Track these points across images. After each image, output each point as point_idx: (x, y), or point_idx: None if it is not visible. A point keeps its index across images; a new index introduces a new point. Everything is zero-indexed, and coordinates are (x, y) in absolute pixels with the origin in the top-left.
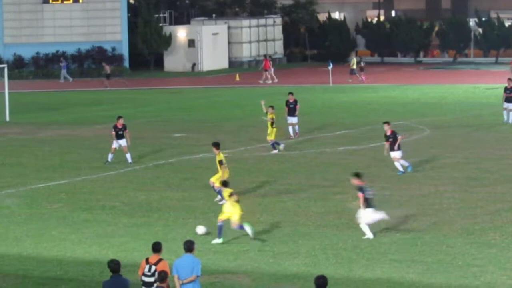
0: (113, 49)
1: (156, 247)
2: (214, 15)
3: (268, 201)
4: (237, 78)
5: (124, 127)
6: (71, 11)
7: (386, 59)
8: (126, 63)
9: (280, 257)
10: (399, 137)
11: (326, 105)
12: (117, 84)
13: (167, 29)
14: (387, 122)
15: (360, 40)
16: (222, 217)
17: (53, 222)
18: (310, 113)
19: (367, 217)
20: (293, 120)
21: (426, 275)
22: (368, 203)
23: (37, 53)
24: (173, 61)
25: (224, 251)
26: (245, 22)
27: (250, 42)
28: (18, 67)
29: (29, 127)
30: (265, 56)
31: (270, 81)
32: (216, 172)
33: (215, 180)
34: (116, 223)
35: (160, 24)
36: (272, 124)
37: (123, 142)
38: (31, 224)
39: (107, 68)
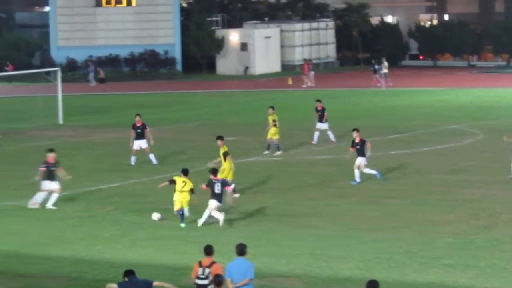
0: (166, 52)
1: (209, 250)
2: (266, 19)
3: (320, 204)
4: (290, 82)
5: (144, 126)
6: (124, 14)
7: (439, 62)
8: (179, 66)
9: (333, 261)
10: (368, 145)
11: (378, 109)
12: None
13: (220, 32)
14: (356, 129)
15: (413, 44)
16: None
17: (105, 224)
18: (362, 117)
19: (212, 207)
20: (321, 126)
21: (479, 279)
22: (215, 197)
23: (90, 56)
24: (225, 65)
25: (277, 254)
26: (298, 26)
27: (302, 45)
28: (71, 70)
29: (81, 130)
30: (305, 60)
31: (305, 85)
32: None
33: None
34: (168, 226)
35: (213, 28)
36: (275, 124)
37: (143, 143)
38: (83, 227)
39: (101, 73)
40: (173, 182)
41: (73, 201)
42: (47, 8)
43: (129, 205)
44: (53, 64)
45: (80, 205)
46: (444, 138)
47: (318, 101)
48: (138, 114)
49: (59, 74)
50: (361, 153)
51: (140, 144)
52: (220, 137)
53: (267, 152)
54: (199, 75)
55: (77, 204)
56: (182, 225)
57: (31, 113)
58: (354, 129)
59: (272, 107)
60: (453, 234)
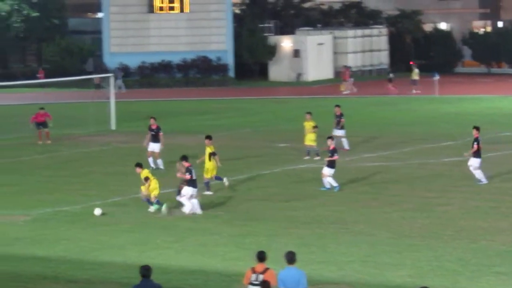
0: (218, 58)
1: (261, 256)
2: (319, 25)
3: (371, 212)
4: (342, 88)
5: (158, 129)
6: (177, 21)
7: (493, 70)
8: (231, 73)
9: (384, 268)
10: (336, 156)
11: (431, 116)
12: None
13: (272, 39)
14: (330, 137)
15: (466, 51)
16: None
17: (157, 230)
18: (414, 124)
19: (187, 193)
20: (336, 132)
21: None
22: (190, 183)
23: (143, 62)
24: (278, 71)
25: (327, 261)
26: (351, 32)
27: (355, 52)
28: (124, 76)
29: (133, 136)
30: (345, 66)
31: (346, 91)
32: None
33: (206, 174)
34: (219, 232)
35: (265, 34)
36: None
37: (156, 147)
38: (135, 233)
39: (97, 80)
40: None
41: (125, 206)
42: (100, 14)
43: (180, 211)
44: (105, 70)
45: (132, 211)
46: (498, 145)
47: (337, 106)
48: (153, 117)
49: (112, 80)
50: (329, 162)
51: (153, 147)
52: (208, 137)
53: (307, 157)
54: (252, 81)
55: (128, 210)
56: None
57: (84, 119)
58: (328, 137)
59: (310, 113)
60: (506, 242)
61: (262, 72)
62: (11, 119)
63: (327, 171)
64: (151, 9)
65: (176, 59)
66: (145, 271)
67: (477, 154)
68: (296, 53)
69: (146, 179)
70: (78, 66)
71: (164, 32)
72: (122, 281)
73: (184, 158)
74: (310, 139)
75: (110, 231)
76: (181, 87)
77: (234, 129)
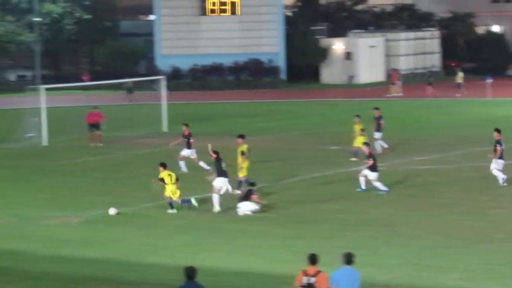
0: (270, 61)
1: (313, 259)
2: (371, 28)
3: (422, 215)
4: (392, 91)
5: (190, 135)
6: (228, 23)
7: None
8: (283, 75)
9: (436, 271)
10: (370, 161)
11: (483, 118)
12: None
13: (324, 41)
14: (366, 143)
15: None
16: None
17: (207, 232)
18: (467, 127)
19: (218, 184)
20: (375, 135)
21: None
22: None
23: (194, 64)
24: (329, 73)
25: (378, 264)
26: (403, 35)
27: (407, 55)
28: (175, 78)
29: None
30: (393, 69)
31: (396, 94)
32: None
33: (240, 173)
34: (270, 234)
35: (317, 37)
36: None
37: (192, 153)
38: (185, 235)
39: (130, 84)
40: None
41: (175, 208)
42: (151, 17)
43: (230, 213)
44: (157, 73)
45: (182, 213)
46: None
47: (376, 108)
48: (185, 124)
49: (164, 82)
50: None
51: (188, 153)
52: (241, 136)
53: (354, 159)
54: (303, 84)
55: (179, 212)
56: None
57: (136, 121)
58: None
59: (358, 116)
60: None
61: (314, 75)
62: (64, 121)
63: (370, 175)
64: (202, 11)
65: (227, 62)
66: (190, 272)
67: (499, 156)
68: (348, 55)
69: (161, 180)
70: (130, 68)
71: (216, 35)
72: (172, 283)
73: (215, 152)
74: (359, 142)
75: (160, 233)
76: (233, 90)
77: (285, 132)
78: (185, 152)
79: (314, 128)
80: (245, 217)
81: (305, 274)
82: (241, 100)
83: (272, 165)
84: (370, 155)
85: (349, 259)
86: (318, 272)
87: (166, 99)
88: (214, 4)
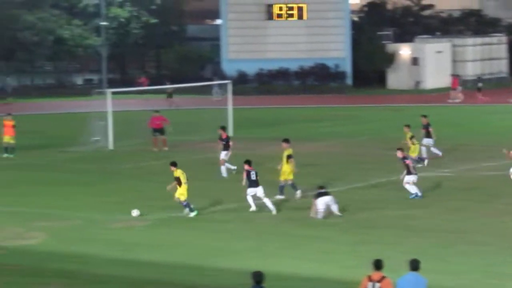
0: (336, 66)
1: (378, 264)
2: (438, 33)
3: (490, 221)
4: (457, 97)
5: (228, 138)
6: (295, 28)
7: None
8: (349, 80)
9: (505, 279)
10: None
11: None
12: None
13: (390, 46)
14: (399, 149)
15: None
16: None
17: (274, 237)
18: None
19: (260, 193)
20: (426, 142)
21: None
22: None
23: (260, 69)
24: (396, 79)
25: (445, 270)
26: (470, 41)
27: (474, 60)
28: (242, 83)
29: (250, 143)
30: (453, 75)
31: (458, 100)
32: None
33: (282, 177)
34: (337, 240)
35: (383, 42)
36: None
37: (227, 154)
38: (251, 239)
39: (170, 90)
40: (178, 179)
41: (241, 212)
42: (218, 21)
43: (297, 218)
44: (223, 77)
45: (250, 217)
46: None
47: (424, 116)
48: (222, 127)
49: (230, 87)
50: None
51: (226, 155)
52: (286, 140)
53: (420, 165)
54: (369, 89)
55: (246, 216)
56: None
57: (201, 125)
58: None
59: (408, 126)
60: None
61: (380, 80)
62: (130, 125)
63: (407, 178)
64: (269, 16)
65: (293, 66)
66: (258, 277)
67: None
68: (415, 61)
69: (177, 179)
70: (196, 72)
71: (282, 39)
72: None
73: (248, 162)
74: (410, 151)
75: (227, 237)
76: (298, 94)
77: (351, 137)
78: (223, 155)
79: (379, 133)
80: (311, 222)
81: (370, 279)
82: (307, 105)
83: (337, 170)
84: (403, 158)
85: (415, 265)
86: (383, 277)
87: (232, 104)
88: (281, 8)
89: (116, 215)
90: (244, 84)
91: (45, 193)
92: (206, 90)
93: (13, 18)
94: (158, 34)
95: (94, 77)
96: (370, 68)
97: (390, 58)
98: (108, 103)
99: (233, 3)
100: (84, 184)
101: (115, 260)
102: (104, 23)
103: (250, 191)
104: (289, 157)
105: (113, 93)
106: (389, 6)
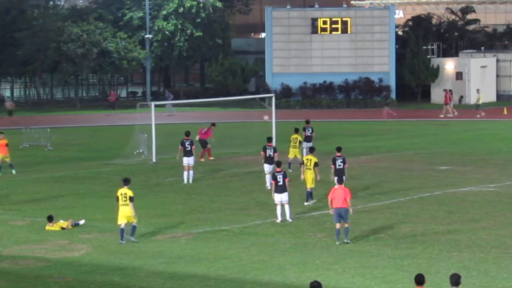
0: (380, 80)
1: (420, 279)
2: (482, 48)
3: None
4: (505, 112)
5: (275, 149)
6: (340, 42)
7: None
8: (393, 94)
9: None
10: None
11: None
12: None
13: (435, 61)
14: None
15: None
16: None
17: (317, 251)
18: None
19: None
20: None
21: None
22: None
23: (304, 82)
24: (440, 93)
25: (488, 286)
26: None
27: None
28: (286, 97)
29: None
30: (445, 90)
31: (450, 115)
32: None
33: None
34: (380, 254)
35: (428, 56)
36: None
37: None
38: (295, 253)
39: (9, 105)
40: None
41: (284, 227)
42: (263, 35)
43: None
44: (268, 90)
45: (292, 232)
46: None
47: None
48: (269, 138)
49: (273, 100)
50: None
51: (270, 168)
52: (311, 149)
53: None
54: (414, 103)
55: (288, 230)
56: (122, 242)
57: (246, 138)
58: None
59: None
60: None
61: (425, 94)
62: (172, 138)
63: None
64: (314, 30)
65: (338, 80)
66: (316, 287)
67: None
68: (459, 75)
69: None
70: (241, 85)
71: (327, 53)
72: None
73: (278, 164)
74: None
75: (269, 251)
76: (343, 108)
77: (395, 151)
78: (267, 167)
79: (424, 147)
80: (355, 236)
81: None
82: (351, 119)
83: (382, 184)
84: None
85: (456, 280)
86: None
87: (275, 117)
88: (325, 22)
89: (159, 227)
90: (288, 97)
91: (89, 205)
92: (251, 104)
93: (59, 30)
94: (202, 47)
95: (139, 89)
96: (414, 83)
97: (435, 73)
98: (152, 115)
99: (278, 17)
100: None
101: (158, 272)
102: (149, 35)
103: (276, 196)
104: (315, 165)
105: (157, 105)
106: (434, 21)
